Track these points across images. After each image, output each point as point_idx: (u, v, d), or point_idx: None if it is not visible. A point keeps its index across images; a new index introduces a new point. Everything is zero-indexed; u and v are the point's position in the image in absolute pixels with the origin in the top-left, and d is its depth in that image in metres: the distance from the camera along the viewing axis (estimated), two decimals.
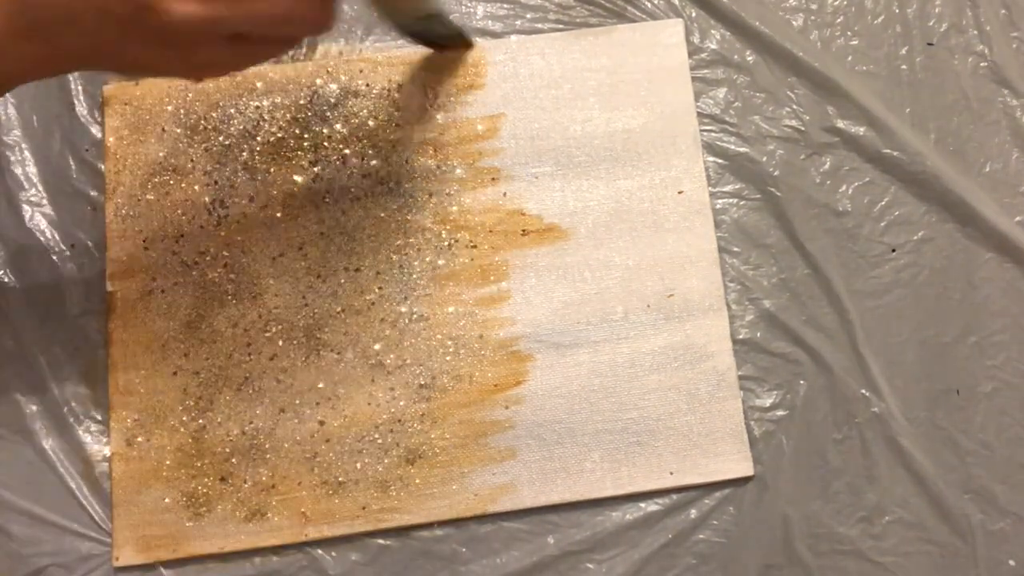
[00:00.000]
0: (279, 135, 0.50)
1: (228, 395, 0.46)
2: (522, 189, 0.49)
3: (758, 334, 0.48)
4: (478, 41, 0.51)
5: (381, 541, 0.45)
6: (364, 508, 0.45)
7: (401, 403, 0.47)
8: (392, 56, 0.51)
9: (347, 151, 0.49)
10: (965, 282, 0.49)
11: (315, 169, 0.49)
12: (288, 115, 0.50)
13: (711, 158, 0.50)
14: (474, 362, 0.47)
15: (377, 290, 0.48)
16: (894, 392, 0.48)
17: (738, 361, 0.48)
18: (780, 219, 0.50)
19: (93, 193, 0.49)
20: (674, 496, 0.46)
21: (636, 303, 0.48)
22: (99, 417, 0.46)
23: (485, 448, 0.46)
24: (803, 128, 0.51)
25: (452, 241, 0.48)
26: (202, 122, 0.50)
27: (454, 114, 0.50)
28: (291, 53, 0.51)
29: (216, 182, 0.49)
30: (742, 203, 0.50)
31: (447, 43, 0.50)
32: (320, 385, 0.47)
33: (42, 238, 0.48)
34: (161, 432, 0.46)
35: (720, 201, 0.50)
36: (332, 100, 0.50)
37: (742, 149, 0.50)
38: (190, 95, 0.50)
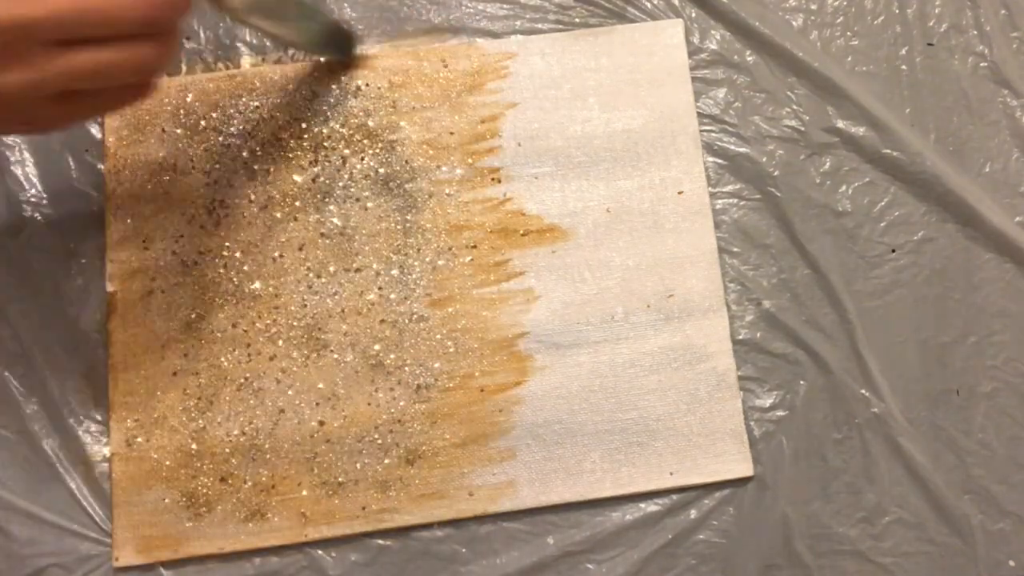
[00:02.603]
0: (279, 135, 0.50)
1: (228, 395, 0.46)
2: (522, 189, 0.49)
3: (758, 334, 0.48)
4: (478, 42, 0.51)
5: (381, 541, 0.45)
6: (364, 508, 0.45)
7: (401, 403, 0.47)
8: (392, 56, 0.51)
9: (347, 151, 0.49)
10: (965, 282, 0.49)
11: (315, 169, 0.49)
12: (288, 115, 0.50)
13: (711, 158, 0.50)
14: (474, 362, 0.47)
15: (377, 290, 0.48)
16: (894, 392, 0.48)
17: (738, 361, 0.48)
18: (780, 219, 0.50)
19: (93, 193, 0.49)
20: (674, 496, 0.46)
21: (636, 303, 0.48)
22: (99, 417, 0.46)
23: (485, 448, 0.46)
24: (803, 128, 0.51)
25: (452, 241, 0.48)
26: (202, 122, 0.50)
27: (454, 114, 0.50)
28: (290, 52, 0.51)
29: (216, 182, 0.49)
30: (742, 203, 0.50)
31: (334, 46, 0.46)
32: (320, 385, 0.47)
33: (42, 238, 0.48)
34: (161, 432, 0.46)
35: (720, 201, 0.50)
36: (332, 100, 0.50)
37: (742, 149, 0.50)
38: (190, 95, 0.50)
